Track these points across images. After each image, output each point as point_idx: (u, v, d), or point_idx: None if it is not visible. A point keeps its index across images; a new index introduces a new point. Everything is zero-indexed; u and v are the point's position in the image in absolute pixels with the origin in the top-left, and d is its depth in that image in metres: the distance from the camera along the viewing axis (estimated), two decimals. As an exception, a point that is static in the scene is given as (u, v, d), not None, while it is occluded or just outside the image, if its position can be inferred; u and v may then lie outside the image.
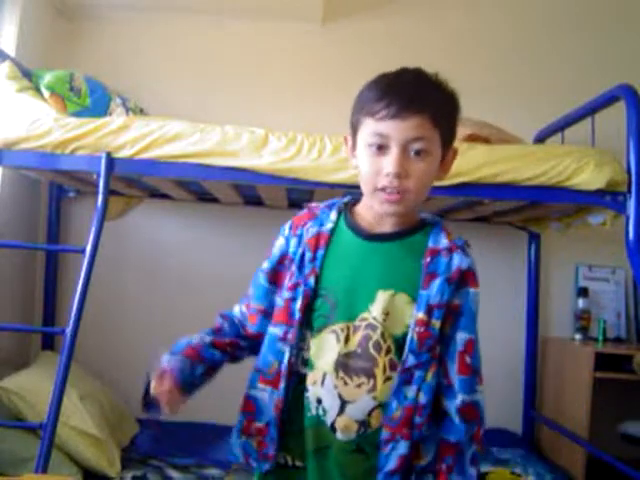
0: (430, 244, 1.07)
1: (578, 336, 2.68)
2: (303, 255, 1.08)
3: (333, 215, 1.12)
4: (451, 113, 1.08)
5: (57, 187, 2.68)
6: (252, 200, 2.61)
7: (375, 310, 1.03)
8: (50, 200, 2.68)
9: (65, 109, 2.07)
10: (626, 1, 2.91)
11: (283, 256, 1.13)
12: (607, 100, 2.05)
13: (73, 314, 1.76)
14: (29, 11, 2.46)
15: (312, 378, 1.05)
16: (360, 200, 1.13)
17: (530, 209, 2.29)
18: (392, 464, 1.01)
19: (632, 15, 2.90)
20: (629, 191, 1.91)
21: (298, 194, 2.29)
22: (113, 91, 2.32)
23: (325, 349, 1.04)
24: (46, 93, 2.08)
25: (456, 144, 1.11)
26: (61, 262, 2.71)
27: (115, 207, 2.68)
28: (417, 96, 1.02)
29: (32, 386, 2.02)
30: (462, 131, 2.04)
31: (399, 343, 1.03)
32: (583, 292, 2.74)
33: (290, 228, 1.14)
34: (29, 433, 1.96)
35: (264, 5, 2.73)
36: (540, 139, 2.62)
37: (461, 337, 1.05)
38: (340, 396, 1.03)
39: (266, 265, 1.15)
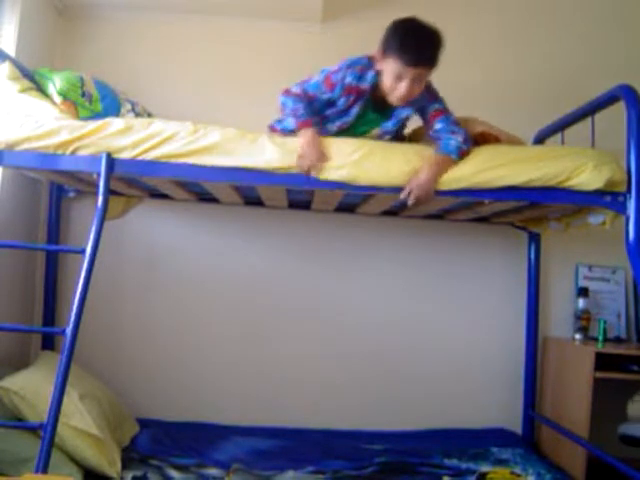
0: None
1: (578, 336, 2.69)
2: None
3: None
4: None
5: (57, 187, 2.68)
6: (252, 200, 2.61)
7: None
8: (50, 200, 2.68)
9: (77, 115, 2.08)
10: (625, 1, 2.91)
11: None
12: (607, 100, 2.05)
13: (73, 314, 1.76)
14: (29, 11, 2.47)
15: None
16: None
17: (530, 209, 2.29)
18: None
19: (631, 15, 2.90)
20: (629, 191, 1.90)
21: (298, 194, 2.29)
22: (122, 96, 2.33)
23: None
24: (58, 99, 2.08)
25: None
26: (61, 262, 2.71)
27: (115, 207, 2.69)
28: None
29: (32, 386, 2.02)
30: (472, 129, 2.04)
31: None
32: (583, 292, 2.74)
33: None
34: (29, 433, 1.95)
35: (264, 5, 2.73)
36: (540, 139, 2.62)
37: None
38: None
39: None
